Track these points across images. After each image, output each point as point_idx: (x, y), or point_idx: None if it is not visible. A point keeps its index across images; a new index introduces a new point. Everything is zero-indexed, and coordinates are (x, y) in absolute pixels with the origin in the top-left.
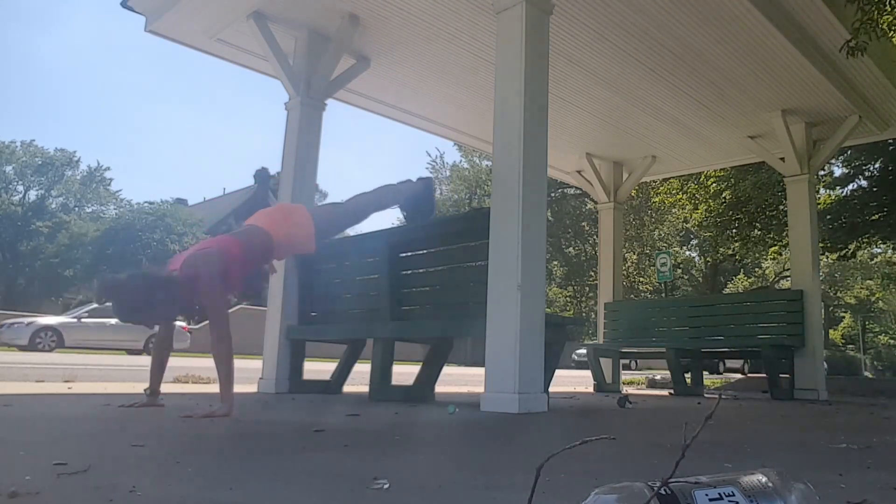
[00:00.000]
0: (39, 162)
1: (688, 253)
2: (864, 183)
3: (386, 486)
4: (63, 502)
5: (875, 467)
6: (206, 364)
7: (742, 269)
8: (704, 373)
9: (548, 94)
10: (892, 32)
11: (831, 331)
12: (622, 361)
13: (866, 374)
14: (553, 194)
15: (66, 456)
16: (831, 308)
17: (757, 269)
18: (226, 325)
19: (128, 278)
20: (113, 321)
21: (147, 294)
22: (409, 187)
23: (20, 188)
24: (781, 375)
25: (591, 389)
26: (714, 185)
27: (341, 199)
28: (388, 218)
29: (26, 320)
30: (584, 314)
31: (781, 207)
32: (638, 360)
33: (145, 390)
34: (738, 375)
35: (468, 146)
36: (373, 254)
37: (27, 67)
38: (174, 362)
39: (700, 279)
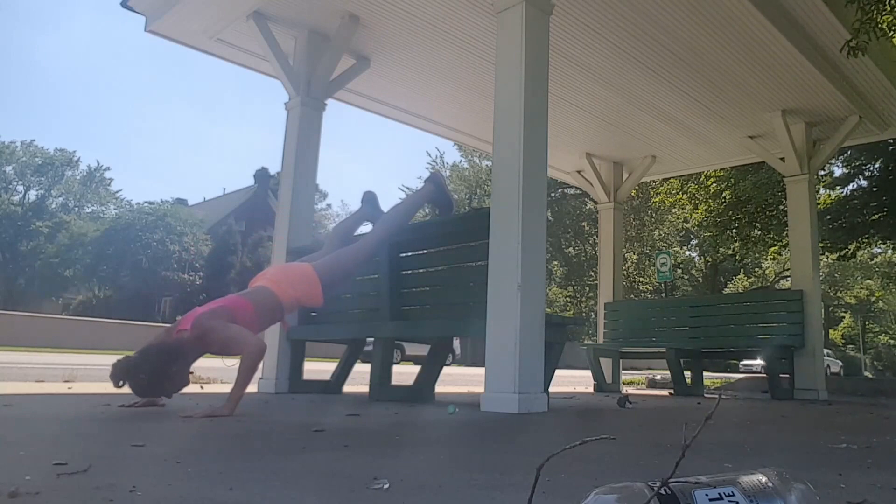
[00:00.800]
0: (39, 162)
1: (688, 253)
2: (864, 183)
3: (386, 486)
4: (63, 502)
5: (875, 467)
6: (207, 364)
7: (742, 269)
8: (706, 372)
9: (548, 94)
10: (892, 32)
11: (831, 331)
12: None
13: (866, 374)
14: (553, 194)
15: (66, 456)
16: (831, 308)
17: (757, 269)
18: (252, 341)
19: (140, 358)
20: None
21: (162, 368)
22: (419, 196)
23: (20, 188)
24: (781, 375)
25: (591, 389)
26: (714, 185)
27: (341, 201)
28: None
29: None
30: (584, 314)
31: (781, 207)
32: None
33: None
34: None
35: (468, 146)
36: (373, 254)
37: (27, 67)
38: None
39: (700, 279)
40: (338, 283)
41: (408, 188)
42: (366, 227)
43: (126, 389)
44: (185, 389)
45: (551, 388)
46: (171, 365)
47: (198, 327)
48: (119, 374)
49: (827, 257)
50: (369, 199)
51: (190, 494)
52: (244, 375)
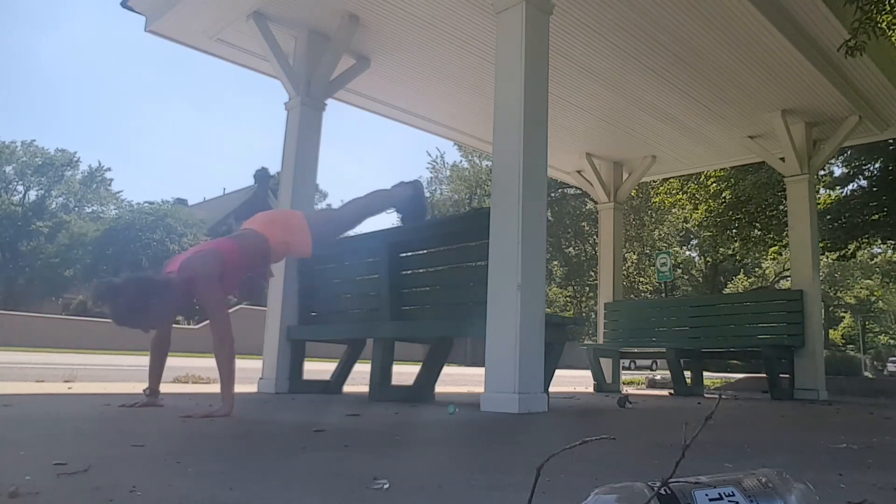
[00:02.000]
0: (39, 162)
1: (688, 253)
2: (864, 183)
3: (386, 486)
4: (63, 502)
5: (875, 467)
6: (207, 364)
7: (742, 269)
8: (706, 372)
9: (548, 94)
10: (891, 32)
11: (831, 331)
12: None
13: (866, 374)
14: (553, 194)
15: (66, 456)
16: (831, 308)
17: (757, 269)
18: (227, 325)
19: (123, 282)
20: None
21: (143, 298)
22: (399, 191)
23: (20, 188)
24: (781, 375)
25: (591, 389)
26: (714, 185)
27: (341, 201)
28: (389, 218)
29: None
30: (584, 314)
31: (781, 207)
32: (637, 361)
33: (145, 391)
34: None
35: (468, 146)
36: (373, 254)
37: (27, 67)
38: (174, 362)
39: (700, 279)
40: (325, 239)
41: None
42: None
43: (134, 392)
44: (185, 389)
45: (551, 388)
46: (152, 297)
47: (186, 269)
48: (99, 295)
49: (827, 257)
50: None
51: (190, 494)
52: (226, 371)
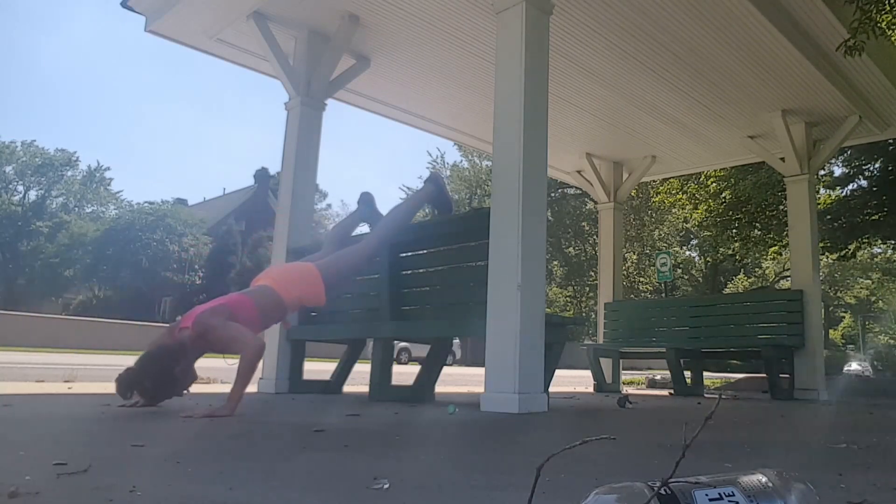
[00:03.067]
0: (39, 162)
1: (688, 253)
2: (864, 183)
3: (386, 486)
4: (63, 502)
5: (875, 467)
6: (207, 364)
7: (742, 269)
8: (706, 372)
9: (548, 94)
10: (891, 32)
11: (831, 331)
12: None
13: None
14: (553, 194)
15: (66, 456)
16: (831, 308)
17: (757, 269)
18: (251, 338)
19: (140, 366)
20: None
21: (167, 370)
22: (420, 196)
23: (20, 188)
24: (781, 375)
25: (591, 389)
26: (714, 185)
27: (341, 201)
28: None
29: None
30: (584, 314)
31: (781, 207)
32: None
33: None
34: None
35: (468, 146)
36: (374, 254)
37: (27, 67)
38: None
39: (700, 279)
40: (340, 284)
41: (408, 188)
42: (363, 228)
43: (137, 396)
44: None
45: (551, 388)
46: (174, 366)
47: (199, 325)
48: (124, 387)
49: (827, 257)
50: (366, 200)
51: (190, 494)
52: (244, 375)
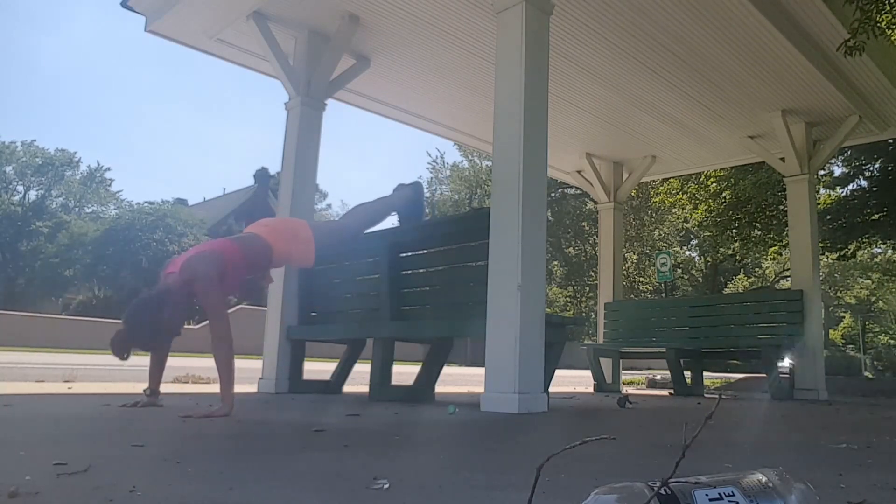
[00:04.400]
0: (39, 162)
1: (688, 253)
2: (864, 183)
3: (386, 486)
4: (63, 502)
5: (875, 467)
6: (206, 364)
7: (742, 269)
8: (706, 372)
9: (548, 94)
10: (891, 31)
11: (831, 331)
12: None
13: (866, 374)
14: (553, 194)
15: (66, 456)
16: (831, 308)
17: (757, 269)
18: (226, 325)
19: (128, 323)
20: None
21: (156, 316)
22: (401, 194)
23: (20, 188)
24: (781, 375)
25: (591, 389)
26: (714, 185)
27: (341, 201)
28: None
29: None
30: (584, 314)
31: (781, 207)
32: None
33: (145, 390)
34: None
35: (468, 146)
36: (373, 254)
37: (27, 67)
38: (174, 362)
39: (700, 279)
40: (328, 250)
41: None
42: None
43: (134, 392)
44: (185, 389)
45: (551, 388)
46: (161, 312)
47: (186, 270)
48: (119, 348)
49: (827, 257)
50: (415, 189)
51: (190, 494)
52: (225, 372)
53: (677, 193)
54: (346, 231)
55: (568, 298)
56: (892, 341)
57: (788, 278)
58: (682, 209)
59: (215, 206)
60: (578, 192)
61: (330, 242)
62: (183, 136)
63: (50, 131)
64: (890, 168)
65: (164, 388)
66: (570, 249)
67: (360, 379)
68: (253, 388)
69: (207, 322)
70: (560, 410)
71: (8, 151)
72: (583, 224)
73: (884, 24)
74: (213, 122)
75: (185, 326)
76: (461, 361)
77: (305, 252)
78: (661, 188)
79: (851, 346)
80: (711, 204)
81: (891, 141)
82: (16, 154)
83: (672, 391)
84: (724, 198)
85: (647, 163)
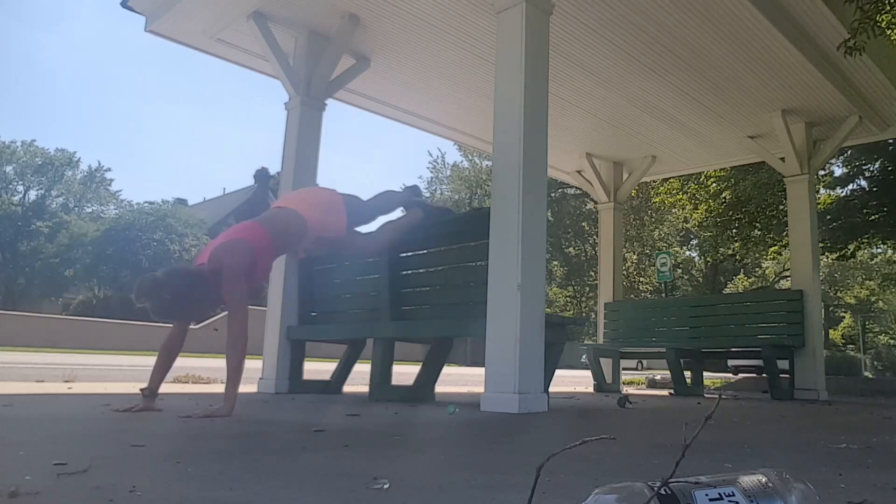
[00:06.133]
0: (39, 162)
1: (688, 253)
2: (864, 183)
3: (386, 486)
4: (63, 502)
5: (875, 467)
6: (207, 364)
7: (742, 269)
8: (706, 372)
9: (548, 94)
10: (890, 31)
11: (831, 331)
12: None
13: (866, 374)
14: (553, 194)
15: (66, 456)
16: (831, 308)
17: (757, 269)
18: (244, 323)
19: (166, 276)
20: None
21: (187, 291)
22: (401, 196)
23: (20, 188)
24: (781, 375)
25: (591, 389)
26: (714, 185)
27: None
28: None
29: None
30: (584, 314)
31: (781, 207)
32: (644, 361)
33: (143, 390)
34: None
35: (468, 146)
36: (373, 254)
37: (27, 67)
38: (175, 362)
39: (700, 279)
40: (356, 222)
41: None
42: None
43: (133, 392)
44: (185, 389)
45: (551, 388)
46: (195, 289)
47: (214, 260)
48: (143, 290)
49: (827, 257)
50: (414, 191)
51: (190, 494)
52: (233, 373)
53: (677, 193)
54: (369, 209)
55: (568, 298)
56: (892, 341)
57: (788, 278)
58: (682, 209)
59: (215, 206)
60: (578, 192)
61: (358, 214)
62: (183, 136)
63: (50, 131)
64: (890, 168)
65: (164, 388)
66: (570, 249)
67: (360, 379)
68: (253, 388)
69: (227, 317)
70: (560, 410)
71: (8, 151)
72: (583, 224)
73: (884, 23)
74: (213, 122)
75: (191, 327)
76: (461, 361)
77: (338, 220)
78: (661, 188)
79: (851, 346)
80: (711, 204)
81: (891, 141)
82: (16, 154)
83: (672, 391)
84: (724, 198)
85: (647, 163)
